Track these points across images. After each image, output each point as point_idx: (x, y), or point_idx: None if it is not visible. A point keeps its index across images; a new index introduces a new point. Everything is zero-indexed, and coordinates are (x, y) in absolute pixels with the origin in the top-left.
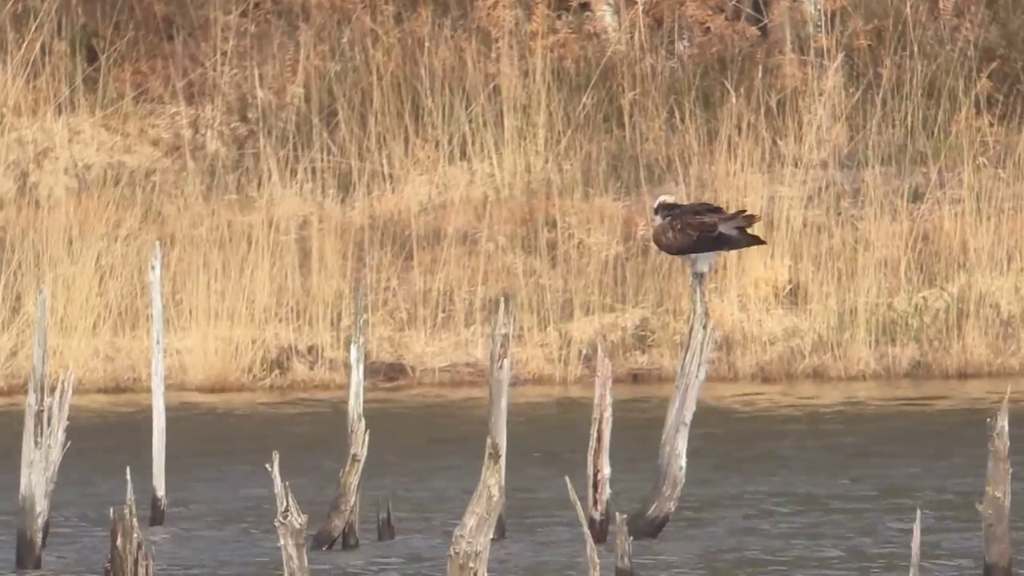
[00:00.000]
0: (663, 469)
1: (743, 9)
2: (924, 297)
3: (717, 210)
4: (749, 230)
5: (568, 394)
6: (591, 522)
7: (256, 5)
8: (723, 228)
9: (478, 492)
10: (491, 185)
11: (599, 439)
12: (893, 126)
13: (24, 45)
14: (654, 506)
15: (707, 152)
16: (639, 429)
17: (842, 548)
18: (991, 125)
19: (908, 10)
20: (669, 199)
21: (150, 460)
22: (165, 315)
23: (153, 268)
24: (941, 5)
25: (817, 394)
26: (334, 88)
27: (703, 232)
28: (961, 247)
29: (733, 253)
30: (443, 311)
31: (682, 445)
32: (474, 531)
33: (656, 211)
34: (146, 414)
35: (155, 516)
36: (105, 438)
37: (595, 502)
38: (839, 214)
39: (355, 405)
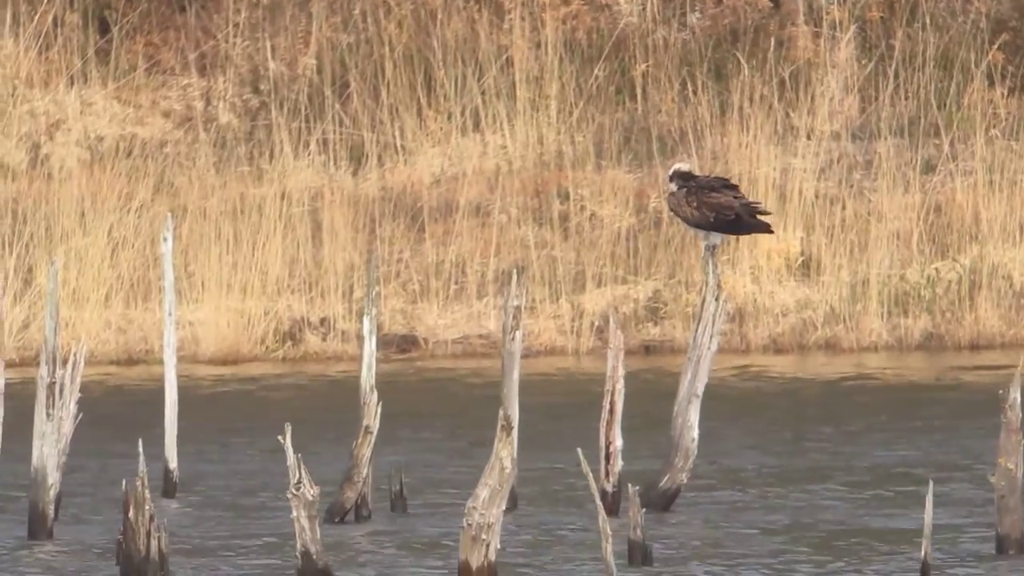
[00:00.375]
0: (675, 441)
1: None
2: (936, 269)
3: (734, 187)
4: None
5: (580, 366)
6: (603, 494)
7: None
8: (740, 211)
9: (491, 464)
10: (503, 157)
11: (611, 411)
12: (905, 98)
13: (36, 17)
14: (666, 478)
15: (719, 124)
16: (651, 401)
17: (853, 519)
18: (1003, 97)
19: None
20: (684, 167)
21: (162, 432)
22: (177, 287)
23: (165, 240)
24: None
25: (829, 365)
26: (346, 60)
27: (720, 214)
28: (973, 219)
29: None
30: (455, 283)
31: (694, 417)
32: (487, 502)
33: (671, 179)
34: (158, 386)
35: (167, 488)
36: (117, 410)
37: (607, 474)
38: (851, 186)
39: (367, 377)
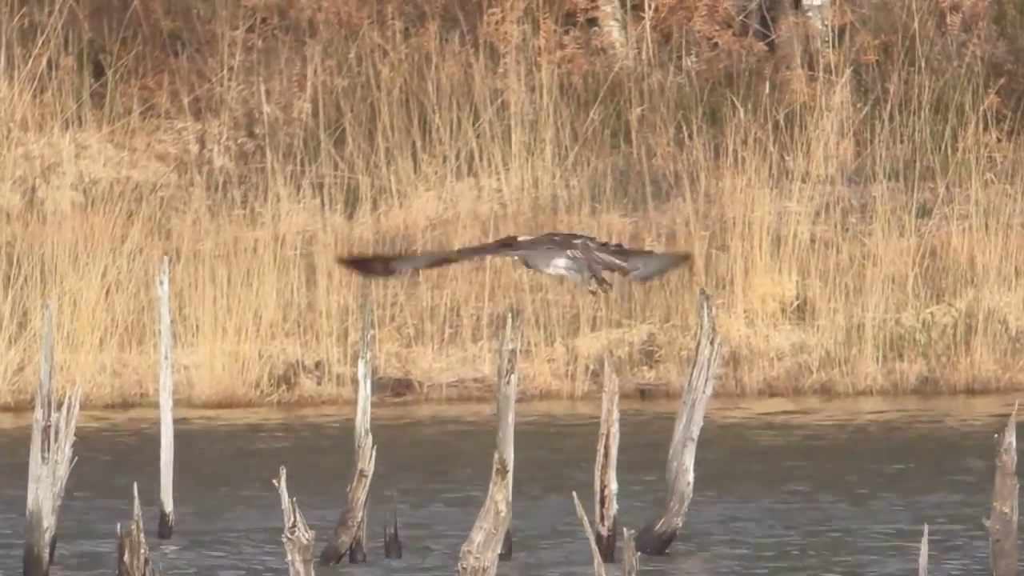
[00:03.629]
0: (671, 484)
1: (751, 25)
2: (932, 313)
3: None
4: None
5: (575, 409)
6: (598, 538)
7: (263, 20)
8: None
9: (486, 507)
10: (498, 200)
11: (606, 455)
12: (901, 141)
13: (31, 60)
14: (661, 522)
15: (714, 167)
16: (646, 444)
17: (851, 566)
18: (999, 141)
19: (916, 25)
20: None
21: (157, 475)
22: (172, 330)
23: (161, 283)
24: (948, 20)
25: (824, 410)
26: (341, 103)
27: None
28: (969, 263)
29: (739, 269)
30: (450, 326)
31: (689, 460)
32: (482, 546)
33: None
34: (153, 429)
35: (163, 531)
36: (112, 453)
37: (602, 517)
38: (846, 230)
39: (362, 420)
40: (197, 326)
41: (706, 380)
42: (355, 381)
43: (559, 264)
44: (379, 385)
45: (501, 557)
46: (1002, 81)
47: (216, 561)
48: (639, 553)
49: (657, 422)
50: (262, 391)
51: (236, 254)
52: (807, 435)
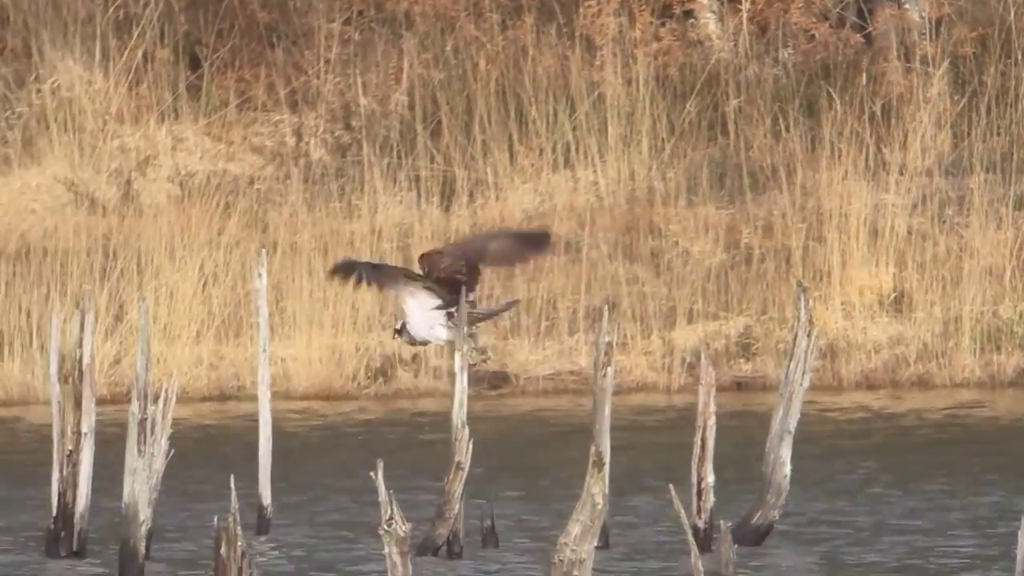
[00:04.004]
0: (767, 477)
1: (848, 17)
2: None
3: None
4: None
5: (672, 402)
6: (695, 530)
7: (360, 13)
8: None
9: (582, 500)
10: (594, 193)
11: (703, 447)
12: (998, 134)
13: (126, 52)
14: (758, 514)
15: (811, 159)
16: (743, 437)
17: (947, 555)
18: None
19: (1012, 18)
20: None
21: (254, 468)
22: (269, 323)
23: (259, 276)
24: None
25: (922, 402)
26: (438, 96)
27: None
28: None
29: (836, 261)
30: (547, 319)
31: (786, 453)
32: (578, 539)
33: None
34: (250, 423)
35: (260, 525)
36: (209, 446)
37: (699, 510)
38: (944, 222)
39: (459, 413)
40: (294, 319)
41: (803, 373)
42: (452, 374)
43: (440, 336)
44: (476, 378)
45: (598, 549)
46: None
47: (313, 554)
48: (736, 545)
49: (754, 415)
50: (359, 384)
51: (333, 247)
52: (904, 427)
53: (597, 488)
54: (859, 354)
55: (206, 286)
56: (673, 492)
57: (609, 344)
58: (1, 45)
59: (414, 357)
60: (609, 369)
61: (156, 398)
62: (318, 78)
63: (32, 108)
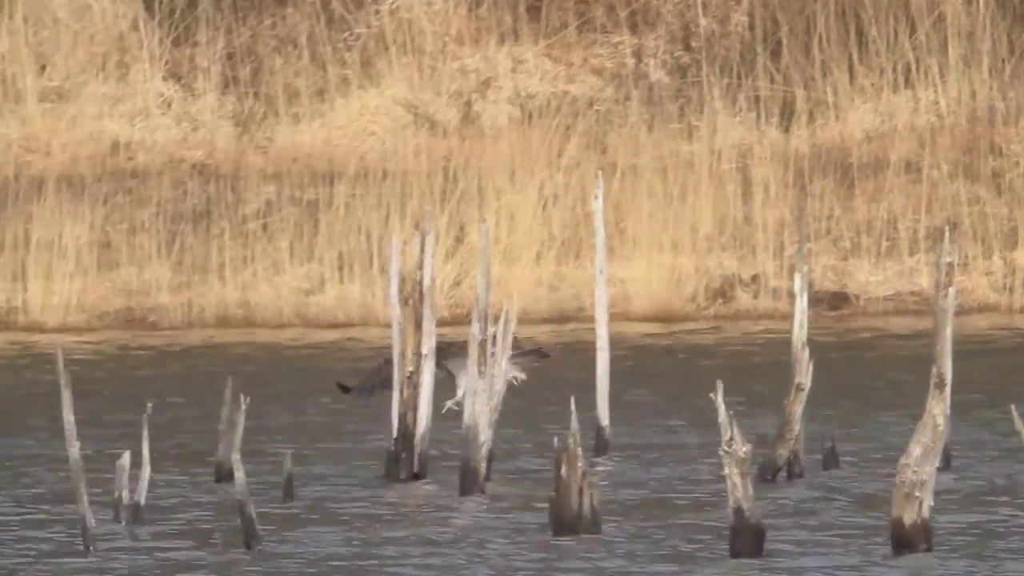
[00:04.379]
0: None
1: None
2: None
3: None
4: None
5: (1014, 323)
6: None
7: None
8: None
9: (923, 421)
10: (935, 113)
11: None
12: None
13: None
14: None
15: None
16: None
17: None
18: None
19: None
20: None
21: (594, 390)
22: (608, 244)
23: (596, 198)
24: None
25: None
26: (778, 16)
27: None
28: None
29: None
30: (887, 239)
31: None
32: (919, 460)
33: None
34: (589, 344)
35: (599, 446)
36: (547, 367)
37: None
38: None
39: (799, 334)
40: (634, 240)
41: None
42: (791, 295)
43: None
44: (815, 299)
45: (939, 470)
46: None
47: (654, 475)
48: None
49: None
50: (698, 305)
51: (672, 168)
52: None
53: (938, 409)
54: None
55: (546, 208)
56: (1015, 414)
57: (950, 264)
58: None
59: (754, 278)
60: (951, 289)
61: (496, 319)
62: None
63: (371, 29)
